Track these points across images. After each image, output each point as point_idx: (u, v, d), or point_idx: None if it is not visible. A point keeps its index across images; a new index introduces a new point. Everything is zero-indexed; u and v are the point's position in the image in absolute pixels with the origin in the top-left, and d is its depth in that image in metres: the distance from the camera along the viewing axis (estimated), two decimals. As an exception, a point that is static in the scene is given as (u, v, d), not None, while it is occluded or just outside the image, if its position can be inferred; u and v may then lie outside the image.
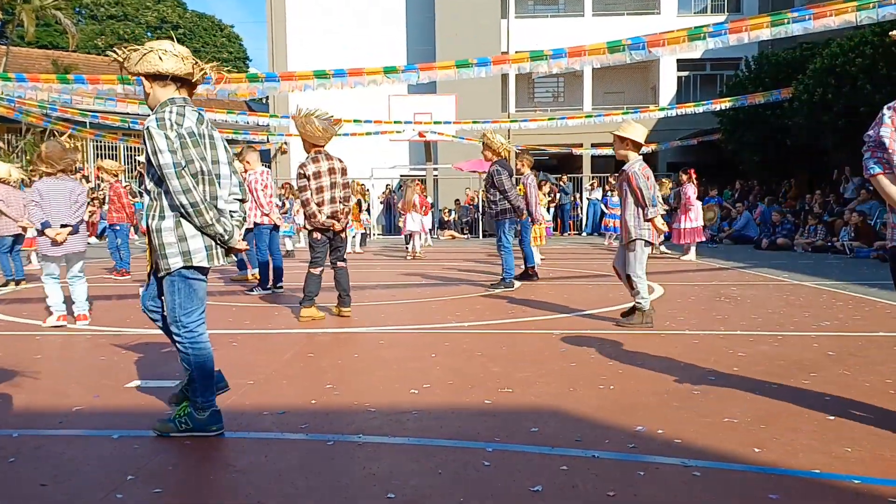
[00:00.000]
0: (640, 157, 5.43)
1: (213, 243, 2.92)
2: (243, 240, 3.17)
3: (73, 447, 2.88)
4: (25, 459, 2.72)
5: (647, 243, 5.36)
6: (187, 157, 2.81)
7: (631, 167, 5.31)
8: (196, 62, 2.95)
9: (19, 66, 24.25)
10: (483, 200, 16.05)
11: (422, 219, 13.75)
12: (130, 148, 22.02)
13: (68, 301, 5.87)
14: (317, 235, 5.88)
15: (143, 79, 2.92)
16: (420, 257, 12.99)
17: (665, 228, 5.46)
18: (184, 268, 2.89)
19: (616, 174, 15.81)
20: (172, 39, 2.97)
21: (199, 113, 2.97)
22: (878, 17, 8.11)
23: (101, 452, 2.79)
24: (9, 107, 13.97)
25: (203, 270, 2.97)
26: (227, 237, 2.91)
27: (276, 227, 8.05)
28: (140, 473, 2.56)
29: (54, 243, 5.64)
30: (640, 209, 5.29)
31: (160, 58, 2.86)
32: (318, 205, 5.79)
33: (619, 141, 5.39)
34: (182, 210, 2.81)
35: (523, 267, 8.79)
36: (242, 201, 3.12)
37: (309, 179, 5.76)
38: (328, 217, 5.83)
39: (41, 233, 5.64)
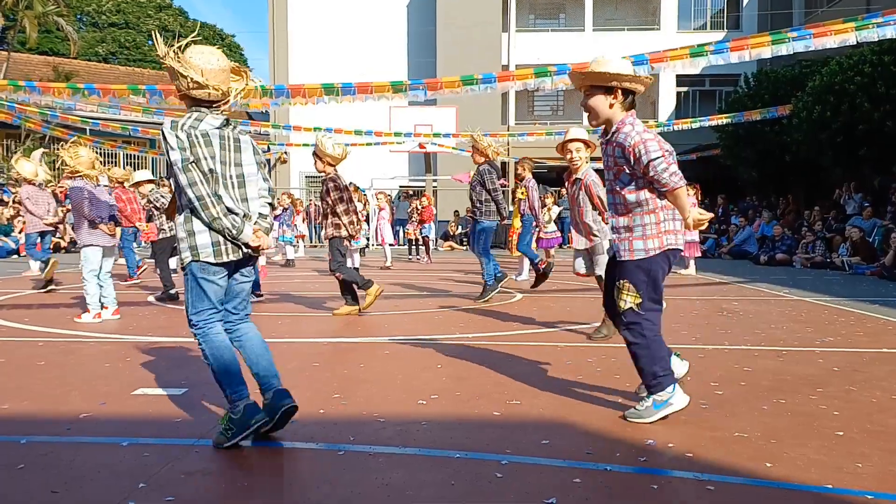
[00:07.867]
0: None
1: (222, 239, 2.96)
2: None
3: (81, 454, 2.87)
4: (34, 466, 2.70)
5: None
6: (195, 155, 2.90)
7: (587, 176, 5.46)
8: (225, 91, 2.99)
9: (20, 72, 24.29)
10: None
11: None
12: (129, 156, 22.00)
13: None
14: (346, 243, 6.80)
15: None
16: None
17: None
18: (194, 262, 2.95)
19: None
20: (214, 51, 2.99)
21: (226, 119, 3.04)
22: (878, 37, 8.22)
23: (110, 460, 2.78)
24: (8, 112, 13.94)
25: (218, 272, 2.99)
26: (235, 232, 2.95)
27: None
28: (151, 481, 2.55)
29: (111, 236, 6.56)
30: (597, 213, 5.46)
31: (196, 87, 2.91)
32: (345, 214, 6.69)
33: (581, 147, 5.40)
34: (191, 205, 2.91)
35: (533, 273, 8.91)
36: (272, 206, 3.18)
37: (342, 192, 6.70)
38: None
39: (96, 226, 6.38)
